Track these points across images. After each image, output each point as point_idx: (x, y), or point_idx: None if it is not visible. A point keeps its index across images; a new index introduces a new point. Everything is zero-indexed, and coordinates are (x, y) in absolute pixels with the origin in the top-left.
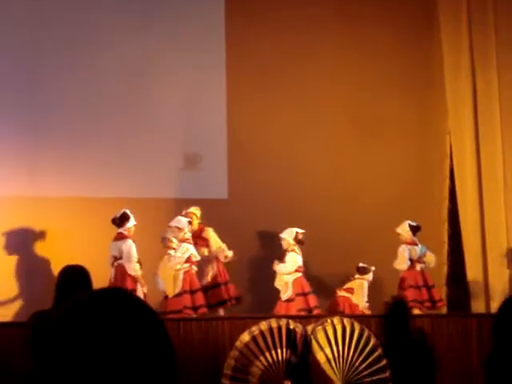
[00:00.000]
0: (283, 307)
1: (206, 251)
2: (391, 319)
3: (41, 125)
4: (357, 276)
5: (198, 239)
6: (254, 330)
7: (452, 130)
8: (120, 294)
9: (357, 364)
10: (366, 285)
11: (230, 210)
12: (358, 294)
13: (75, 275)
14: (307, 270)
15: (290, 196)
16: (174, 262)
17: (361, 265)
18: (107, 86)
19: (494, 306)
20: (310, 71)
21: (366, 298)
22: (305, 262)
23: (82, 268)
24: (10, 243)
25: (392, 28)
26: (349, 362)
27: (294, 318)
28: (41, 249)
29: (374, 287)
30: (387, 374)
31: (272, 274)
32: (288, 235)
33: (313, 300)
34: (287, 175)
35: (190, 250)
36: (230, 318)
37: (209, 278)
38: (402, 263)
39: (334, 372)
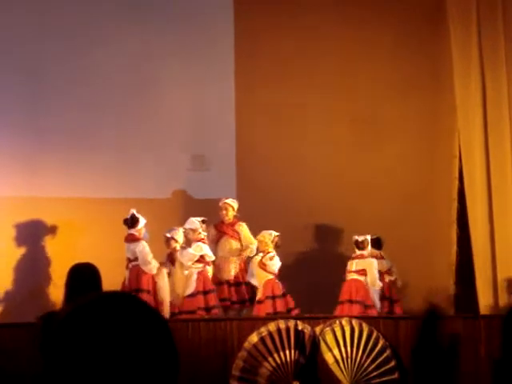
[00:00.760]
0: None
1: (234, 244)
2: (426, 324)
3: (45, 126)
4: (359, 252)
5: (231, 231)
6: (263, 330)
7: (461, 130)
8: (125, 297)
9: (365, 365)
10: (375, 263)
11: (239, 210)
12: (371, 274)
13: (85, 274)
14: (313, 268)
15: (298, 196)
16: (185, 258)
17: (359, 239)
18: (114, 86)
19: (503, 307)
20: (319, 72)
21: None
22: (312, 259)
23: (92, 266)
24: (12, 243)
25: (401, 27)
26: (357, 363)
27: (302, 318)
28: (46, 247)
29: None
30: (396, 375)
31: (279, 271)
32: (267, 237)
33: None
34: (295, 175)
35: (203, 249)
36: (239, 318)
37: (232, 273)
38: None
39: (343, 373)
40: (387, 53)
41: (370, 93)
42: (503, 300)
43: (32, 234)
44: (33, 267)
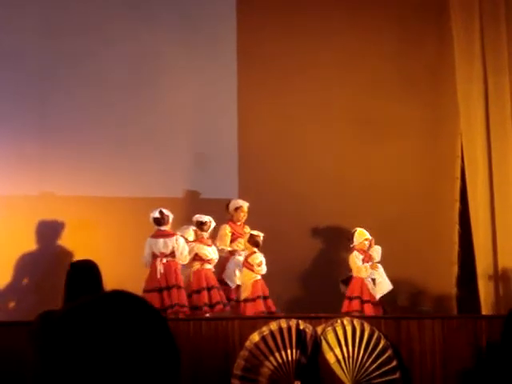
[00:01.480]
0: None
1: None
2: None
3: (49, 125)
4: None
5: (243, 232)
6: (264, 330)
7: (463, 130)
8: (123, 295)
9: (367, 365)
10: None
11: None
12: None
13: (84, 270)
14: (318, 267)
15: (300, 195)
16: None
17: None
18: (117, 85)
19: (505, 307)
20: (321, 71)
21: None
22: (315, 258)
23: (91, 262)
24: (17, 242)
25: (403, 28)
26: (359, 362)
27: (304, 318)
28: (50, 246)
29: None
30: (397, 374)
31: (281, 272)
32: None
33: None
34: (298, 175)
35: (196, 249)
36: (240, 317)
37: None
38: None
39: (344, 372)
40: (391, 54)
41: (372, 93)
42: (505, 300)
43: (38, 233)
44: (38, 265)
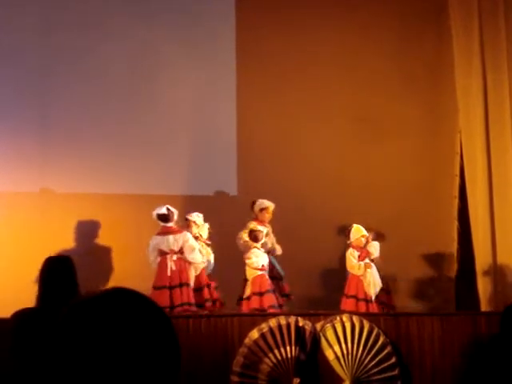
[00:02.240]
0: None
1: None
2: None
3: (48, 122)
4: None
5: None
6: (263, 326)
7: (462, 128)
8: (127, 292)
9: (366, 362)
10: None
11: (240, 206)
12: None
13: (59, 266)
14: (315, 265)
15: (299, 193)
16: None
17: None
18: (116, 83)
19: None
20: (320, 71)
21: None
22: (310, 258)
23: (66, 258)
24: (17, 239)
25: (402, 25)
26: (358, 359)
27: (303, 315)
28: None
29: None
30: (396, 371)
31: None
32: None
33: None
34: (296, 172)
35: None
36: (239, 314)
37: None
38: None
39: (343, 369)
40: (390, 52)
41: (371, 91)
42: (504, 297)
43: (38, 230)
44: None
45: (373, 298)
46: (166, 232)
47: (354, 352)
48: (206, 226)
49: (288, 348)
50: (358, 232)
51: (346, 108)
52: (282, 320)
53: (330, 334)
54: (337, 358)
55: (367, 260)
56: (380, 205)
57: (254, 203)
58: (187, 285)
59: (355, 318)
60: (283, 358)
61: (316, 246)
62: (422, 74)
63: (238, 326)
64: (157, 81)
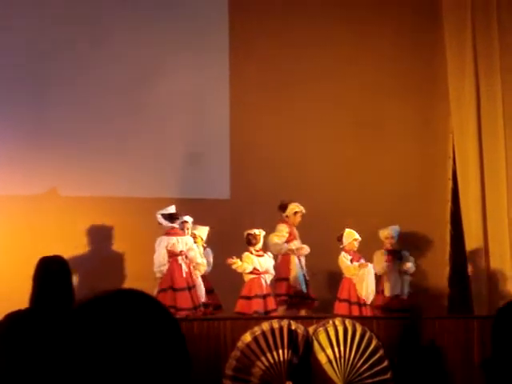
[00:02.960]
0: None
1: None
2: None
3: (44, 124)
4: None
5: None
6: (256, 330)
7: (455, 131)
8: (133, 293)
9: (358, 365)
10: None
11: (232, 210)
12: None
13: (53, 267)
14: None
15: (292, 196)
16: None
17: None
18: (110, 85)
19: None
20: (314, 72)
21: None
22: (308, 259)
23: (60, 258)
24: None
25: (395, 29)
26: (350, 363)
27: (295, 318)
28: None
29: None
30: (389, 375)
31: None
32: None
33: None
34: (290, 175)
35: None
36: (232, 318)
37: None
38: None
39: (336, 373)
40: (385, 57)
41: (365, 95)
42: (496, 301)
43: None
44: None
45: (369, 300)
46: (174, 233)
47: (347, 355)
48: (207, 229)
49: (280, 351)
50: (350, 236)
51: (340, 112)
52: (275, 323)
53: (322, 337)
54: (329, 361)
55: (362, 260)
56: (373, 207)
57: (285, 206)
58: (195, 287)
59: (348, 322)
60: (276, 361)
61: (312, 250)
62: (415, 78)
63: (230, 329)
64: (149, 83)
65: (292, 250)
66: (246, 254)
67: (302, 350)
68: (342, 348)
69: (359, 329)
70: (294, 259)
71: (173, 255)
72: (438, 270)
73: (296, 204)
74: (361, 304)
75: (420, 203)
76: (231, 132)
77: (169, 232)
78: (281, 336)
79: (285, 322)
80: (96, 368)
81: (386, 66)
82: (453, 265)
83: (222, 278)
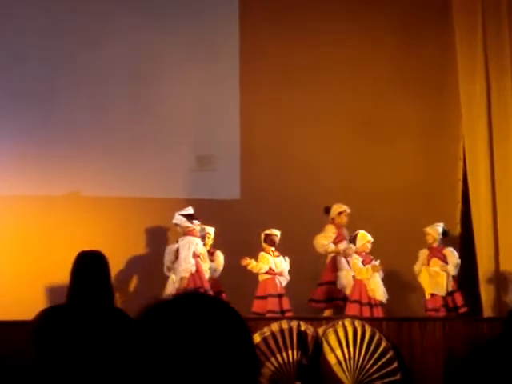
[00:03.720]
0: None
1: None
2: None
3: (51, 126)
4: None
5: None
6: (265, 331)
7: (465, 133)
8: (202, 296)
9: (367, 366)
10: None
11: (243, 210)
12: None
13: (92, 261)
14: (314, 270)
15: (302, 197)
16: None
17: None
18: (119, 86)
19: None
20: (324, 73)
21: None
22: (313, 262)
23: (99, 254)
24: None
25: (406, 31)
26: (359, 364)
27: (305, 319)
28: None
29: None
30: (398, 376)
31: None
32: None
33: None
34: (300, 176)
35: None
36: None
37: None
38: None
39: (345, 374)
40: (394, 56)
41: (375, 95)
42: (506, 303)
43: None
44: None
45: (384, 300)
46: (194, 234)
47: (356, 357)
48: (213, 229)
49: (290, 352)
50: (363, 238)
51: (349, 112)
52: (284, 324)
53: (332, 338)
54: (339, 362)
55: (374, 262)
56: (382, 209)
57: (328, 208)
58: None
59: (357, 323)
60: (285, 362)
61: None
62: (426, 79)
63: None
64: (160, 84)
65: (339, 251)
66: (262, 253)
67: (312, 350)
68: (351, 349)
69: (369, 330)
70: (342, 260)
71: (195, 256)
72: None
73: (339, 205)
74: (372, 304)
75: (430, 204)
76: (242, 133)
77: (191, 233)
78: (290, 337)
79: (294, 323)
80: (165, 369)
81: (397, 69)
82: (462, 266)
83: (233, 279)
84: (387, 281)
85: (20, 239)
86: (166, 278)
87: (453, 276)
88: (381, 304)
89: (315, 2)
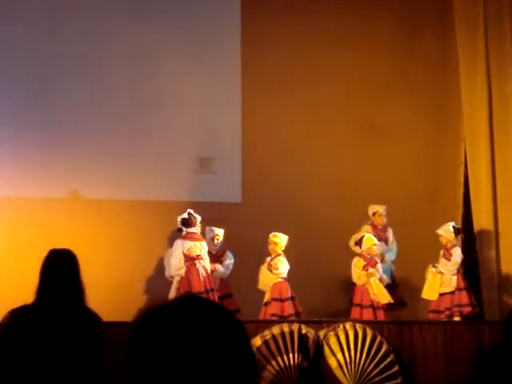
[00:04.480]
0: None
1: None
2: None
3: (53, 127)
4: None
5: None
6: (266, 334)
7: (467, 136)
8: (198, 300)
9: (369, 370)
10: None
11: (244, 213)
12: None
13: (62, 260)
14: (317, 273)
15: (303, 199)
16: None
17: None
18: (121, 87)
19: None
20: (325, 75)
21: None
22: (315, 265)
23: (69, 252)
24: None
25: (407, 32)
26: (360, 367)
27: (306, 322)
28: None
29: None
30: (399, 380)
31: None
32: (283, 239)
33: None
34: (301, 179)
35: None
36: (242, 321)
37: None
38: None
39: (346, 377)
40: (395, 59)
41: (376, 98)
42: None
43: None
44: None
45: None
46: (191, 237)
47: (357, 360)
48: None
49: (291, 355)
50: (369, 241)
51: (350, 115)
52: (285, 327)
53: (333, 341)
54: (340, 365)
55: (371, 270)
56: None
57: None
58: (213, 290)
59: (358, 326)
60: (286, 365)
61: (319, 251)
62: (427, 82)
63: None
64: (161, 87)
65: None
66: (281, 258)
67: (313, 354)
68: (352, 352)
69: (370, 333)
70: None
71: (190, 259)
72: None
73: (373, 205)
74: (374, 307)
75: (432, 208)
76: (243, 136)
77: (185, 236)
78: (291, 340)
79: (295, 326)
80: (166, 373)
81: (398, 71)
82: (464, 270)
83: (235, 282)
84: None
85: (19, 241)
86: (167, 280)
87: (460, 275)
88: (386, 307)
89: (316, 2)
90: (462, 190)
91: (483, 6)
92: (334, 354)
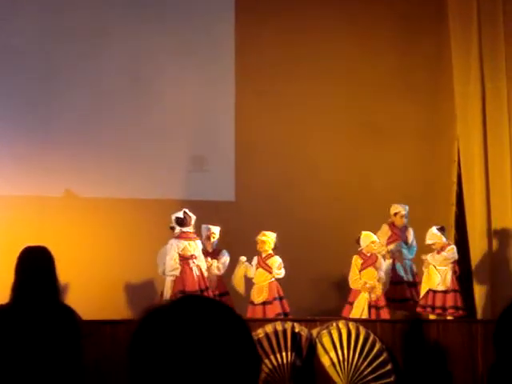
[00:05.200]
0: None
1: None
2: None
3: (50, 125)
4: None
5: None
6: (260, 332)
7: (460, 135)
8: (201, 299)
9: (361, 368)
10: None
11: (238, 212)
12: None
13: (37, 257)
14: (310, 272)
15: (297, 198)
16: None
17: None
18: (115, 87)
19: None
20: (320, 74)
21: None
22: (309, 264)
23: (44, 249)
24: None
25: (402, 32)
26: (353, 365)
27: (299, 321)
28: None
29: None
30: (392, 378)
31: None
32: (271, 238)
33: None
34: (295, 177)
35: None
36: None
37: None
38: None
39: (339, 376)
40: (389, 59)
41: (370, 97)
42: (500, 305)
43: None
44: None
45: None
46: (185, 237)
47: (350, 358)
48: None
49: (284, 354)
50: (367, 238)
51: (345, 113)
52: (278, 326)
53: (326, 340)
54: (333, 364)
55: (381, 273)
56: (378, 210)
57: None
58: (208, 289)
59: (351, 325)
60: (279, 363)
61: (312, 250)
62: (421, 81)
63: None
64: (155, 87)
65: (385, 252)
66: (276, 258)
67: (306, 352)
68: (345, 351)
69: (363, 332)
70: (381, 260)
71: (184, 259)
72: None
73: (395, 205)
74: (369, 306)
75: (425, 207)
76: (236, 135)
77: (180, 235)
78: (284, 338)
79: (288, 325)
80: (167, 373)
81: (392, 71)
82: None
83: (229, 279)
84: None
85: (17, 239)
86: (161, 278)
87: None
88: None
89: (313, 1)
90: (455, 188)
91: (477, 8)
92: (327, 353)
